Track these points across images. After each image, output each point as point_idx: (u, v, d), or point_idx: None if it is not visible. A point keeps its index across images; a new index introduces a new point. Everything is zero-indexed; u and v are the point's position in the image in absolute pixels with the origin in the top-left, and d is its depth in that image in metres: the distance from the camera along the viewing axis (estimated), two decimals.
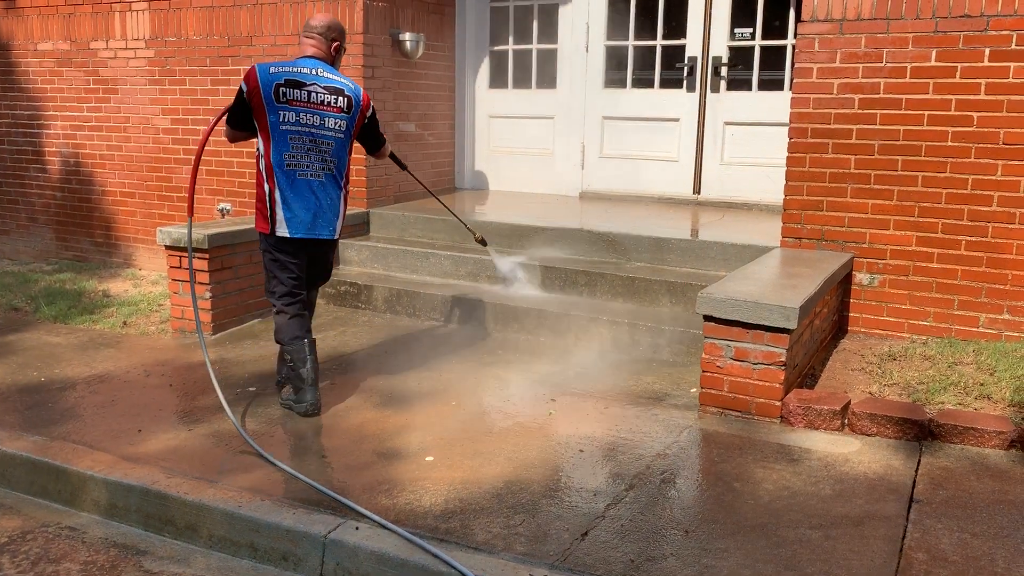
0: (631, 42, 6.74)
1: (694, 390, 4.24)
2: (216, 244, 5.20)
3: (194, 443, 3.68)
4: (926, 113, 4.61)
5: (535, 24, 7.09)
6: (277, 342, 4.01)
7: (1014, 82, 4.41)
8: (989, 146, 4.50)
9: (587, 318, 4.93)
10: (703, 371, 3.93)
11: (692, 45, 6.50)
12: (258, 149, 3.84)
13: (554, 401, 4.10)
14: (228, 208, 6.89)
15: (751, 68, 6.38)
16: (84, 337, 5.31)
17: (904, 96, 4.65)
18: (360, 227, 6.32)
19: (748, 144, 6.43)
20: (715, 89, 6.48)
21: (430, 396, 4.16)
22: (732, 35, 6.39)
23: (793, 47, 6.18)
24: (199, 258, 5.20)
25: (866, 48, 4.69)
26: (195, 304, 4.14)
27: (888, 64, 4.66)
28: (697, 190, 6.66)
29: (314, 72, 3.78)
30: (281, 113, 3.71)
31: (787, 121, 6.15)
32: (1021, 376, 3.93)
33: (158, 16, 6.94)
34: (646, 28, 6.68)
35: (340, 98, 3.81)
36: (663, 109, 6.67)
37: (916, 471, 3.29)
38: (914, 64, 4.60)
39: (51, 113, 7.67)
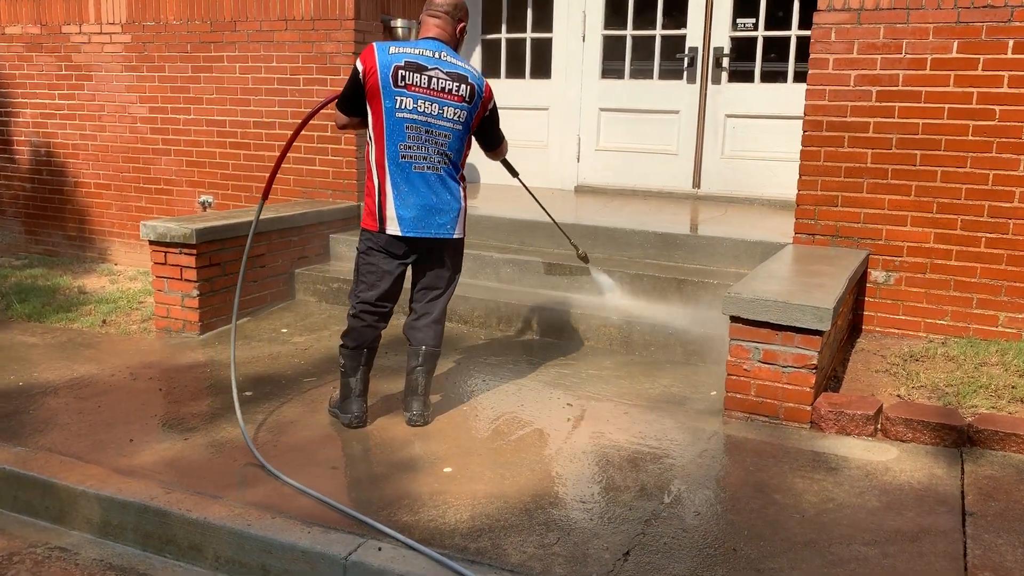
0: (629, 31, 6.55)
1: (714, 393, 4.07)
2: (204, 239, 4.92)
3: (192, 454, 3.43)
4: (946, 106, 4.49)
5: (529, 12, 6.88)
6: (341, 337, 3.69)
7: None
8: (1011, 140, 4.38)
9: (594, 316, 4.74)
10: (728, 374, 3.76)
11: (693, 35, 6.33)
12: (368, 138, 3.49)
13: (571, 406, 3.91)
14: (210, 201, 6.62)
15: (753, 59, 6.23)
16: (62, 337, 5.02)
17: (924, 88, 4.51)
18: (351, 220, 6.07)
19: (750, 137, 6.28)
20: (716, 81, 6.32)
21: (440, 400, 3.95)
22: (734, 25, 6.23)
23: (797, 38, 6.06)
24: (186, 254, 4.92)
25: (885, 39, 4.55)
26: (236, 300, 3.83)
27: (908, 55, 4.52)
28: (697, 184, 6.50)
29: (437, 55, 3.41)
30: (398, 99, 3.36)
31: (790, 114, 6.09)
32: None
33: None
34: (645, 17, 6.51)
35: (463, 86, 3.44)
36: (662, 101, 6.50)
37: (962, 480, 3.15)
38: (935, 56, 4.47)
39: (20, 100, 7.30)
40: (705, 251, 5.13)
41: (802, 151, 4.83)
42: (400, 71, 3.33)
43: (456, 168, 3.56)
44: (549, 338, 4.82)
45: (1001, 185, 4.44)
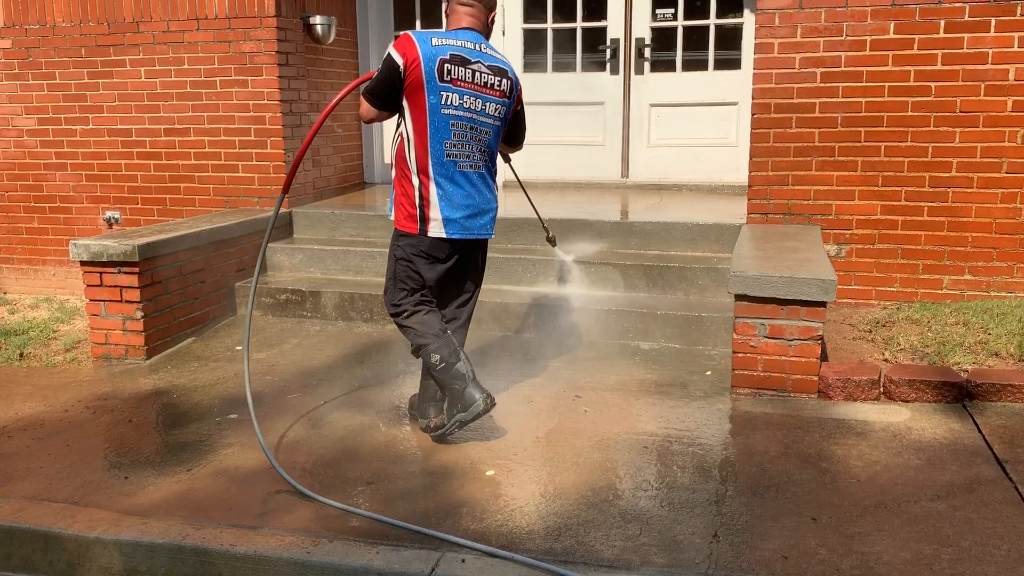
0: (550, 24, 6.56)
1: (709, 373, 4.13)
2: (147, 256, 4.54)
3: (204, 486, 3.14)
4: (887, 84, 4.73)
5: (443, 6, 6.74)
6: (416, 349, 3.35)
7: (968, 52, 4.60)
8: (947, 114, 4.68)
9: (570, 308, 4.71)
10: (735, 352, 3.82)
11: (614, 27, 6.41)
12: (403, 134, 3.23)
13: (580, 398, 3.86)
14: (117, 217, 6.14)
15: (674, 49, 6.37)
16: None
17: (865, 68, 4.75)
18: (283, 228, 5.77)
19: (674, 125, 6.43)
20: (639, 71, 6.42)
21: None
22: (654, 16, 6.35)
23: (716, 27, 6.25)
24: (126, 273, 4.52)
25: (826, 22, 4.75)
26: (250, 309, 3.48)
27: (848, 37, 4.74)
28: (625, 174, 6.59)
29: (478, 48, 3.20)
30: (444, 94, 3.13)
31: (713, 101, 6.30)
32: (1014, 332, 4.10)
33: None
34: (565, 10, 6.52)
35: (504, 80, 3.25)
36: (587, 93, 6.54)
37: (980, 432, 3.32)
38: (873, 37, 4.71)
39: None
40: (660, 236, 5.19)
41: (752, 133, 4.97)
42: (446, 64, 3.12)
43: (493, 165, 3.41)
44: (524, 333, 4.74)
45: (940, 156, 4.73)
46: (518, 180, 4.33)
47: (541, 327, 4.72)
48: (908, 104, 4.72)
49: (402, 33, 3.20)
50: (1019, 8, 4.50)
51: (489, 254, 5.10)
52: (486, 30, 3.34)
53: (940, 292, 4.85)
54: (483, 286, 5.04)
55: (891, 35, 4.68)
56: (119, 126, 6.02)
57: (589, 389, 3.96)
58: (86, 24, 5.92)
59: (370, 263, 5.36)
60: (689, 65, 6.36)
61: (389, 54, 3.16)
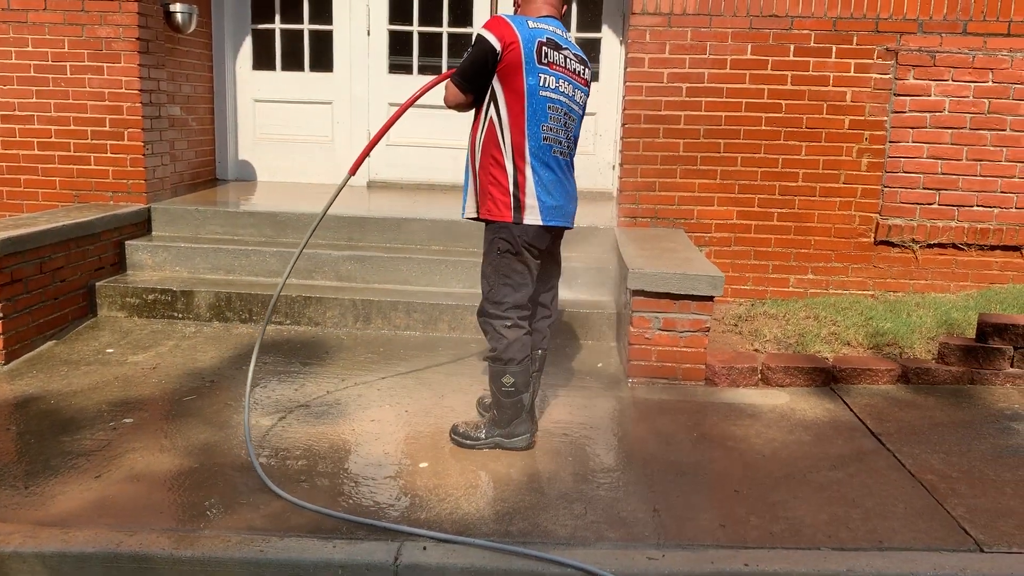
0: (416, 28, 6.60)
1: (600, 364, 4.36)
2: (7, 252, 4.17)
3: (120, 491, 2.96)
4: (744, 101, 5.19)
5: (306, 2, 6.63)
6: (496, 359, 3.27)
7: (813, 74, 5.14)
8: (795, 130, 5.20)
9: (457, 307, 4.80)
10: (631, 344, 4.07)
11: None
12: (493, 119, 3.08)
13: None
14: None
15: None
16: None
17: (725, 85, 5.18)
18: (140, 226, 5.44)
19: None
20: None
21: (350, 404, 3.78)
22: None
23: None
24: None
25: (692, 41, 5.14)
26: (269, 313, 3.26)
27: (711, 56, 5.15)
28: None
29: (564, 35, 3.15)
30: (542, 76, 3.04)
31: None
32: (859, 324, 4.63)
33: None
34: (431, 14, 6.59)
35: (587, 69, 3.23)
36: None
37: (852, 411, 3.75)
38: (733, 57, 5.15)
39: None
40: None
41: (623, 142, 5.29)
42: (543, 47, 3.05)
43: (575, 155, 3.34)
44: (414, 331, 4.78)
45: (788, 168, 5.25)
46: None
47: (424, 324, 4.78)
48: (762, 119, 5.20)
49: (492, 16, 3.12)
50: (855, 38, 5.08)
51: (373, 253, 5.18)
52: (561, 19, 3.29)
53: (787, 290, 5.37)
54: (375, 284, 5.11)
55: (748, 56, 5.14)
56: None
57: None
58: None
59: (243, 261, 5.19)
60: None
61: (481, 35, 3.06)
